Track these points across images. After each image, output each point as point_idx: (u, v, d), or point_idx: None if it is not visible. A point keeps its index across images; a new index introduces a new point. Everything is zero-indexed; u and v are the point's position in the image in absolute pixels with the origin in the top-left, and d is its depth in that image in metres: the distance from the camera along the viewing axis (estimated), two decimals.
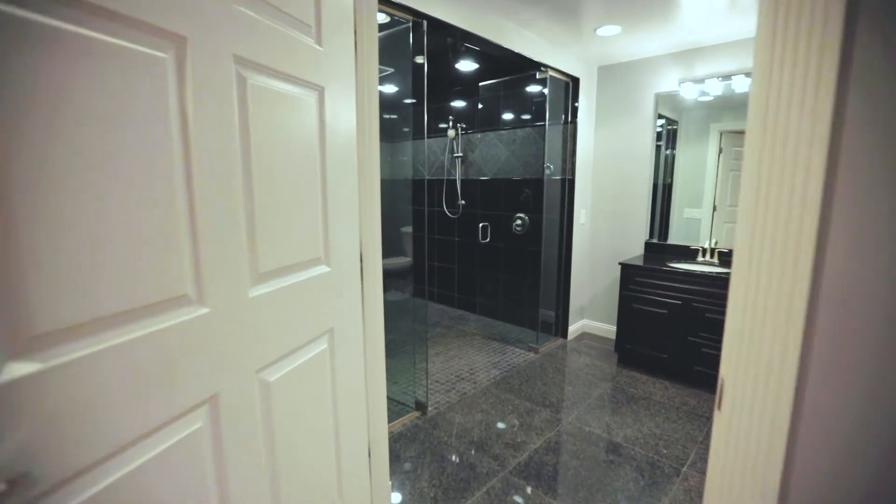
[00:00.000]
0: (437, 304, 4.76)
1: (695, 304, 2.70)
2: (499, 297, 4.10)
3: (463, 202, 4.27)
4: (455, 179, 4.28)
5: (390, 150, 4.90)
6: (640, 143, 3.35)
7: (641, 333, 2.96)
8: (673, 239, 3.34)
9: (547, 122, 3.23)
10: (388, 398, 2.57)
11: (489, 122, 3.94)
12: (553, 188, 3.49)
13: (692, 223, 3.29)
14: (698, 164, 3.21)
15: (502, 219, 3.93)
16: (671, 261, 3.06)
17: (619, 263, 3.01)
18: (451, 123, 4.18)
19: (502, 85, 3.78)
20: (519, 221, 3.77)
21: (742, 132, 2.91)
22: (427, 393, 2.65)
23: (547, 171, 3.43)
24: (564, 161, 3.47)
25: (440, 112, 4.40)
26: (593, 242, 3.71)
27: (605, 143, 3.55)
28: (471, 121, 4.13)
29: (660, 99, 3.23)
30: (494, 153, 3.93)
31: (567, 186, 3.48)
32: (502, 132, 3.85)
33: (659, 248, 3.34)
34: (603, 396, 2.68)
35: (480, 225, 3.57)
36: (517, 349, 3.46)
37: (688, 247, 3.19)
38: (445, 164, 4.38)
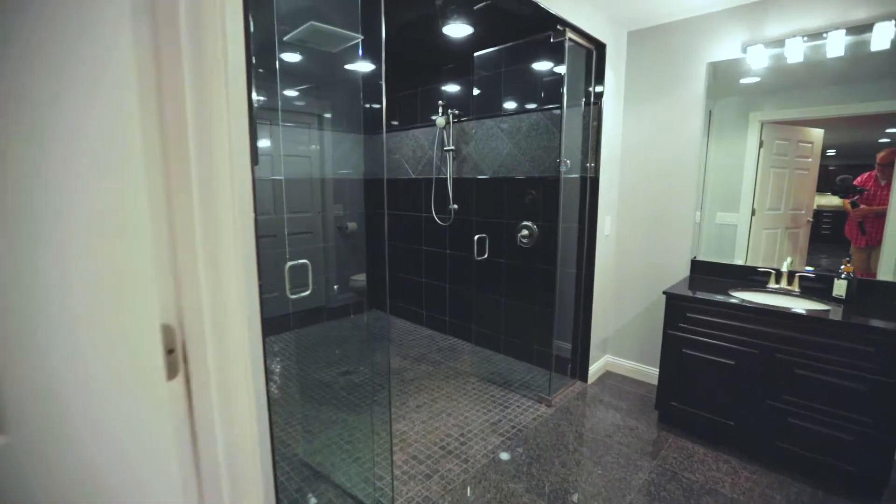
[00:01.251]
0: (425, 328, 3.96)
1: (778, 355, 1.90)
2: (500, 326, 3.30)
3: (455, 206, 3.48)
4: (446, 178, 3.48)
5: (361, 144, 4.11)
6: (685, 131, 2.55)
7: (696, 389, 2.16)
8: (705, 252, 2.54)
9: (564, 104, 2.43)
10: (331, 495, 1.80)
11: (488, 106, 3.14)
12: (570, 190, 2.69)
13: (726, 231, 2.52)
14: (734, 160, 2.44)
15: (504, 228, 3.14)
16: (734, 288, 2.26)
17: (665, 293, 2.21)
18: (440, 109, 3.38)
19: (505, 55, 2.97)
20: (525, 232, 2.97)
21: (789, 123, 1.96)
22: (392, 483, 1.86)
23: (563, 168, 2.64)
24: (585, 155, 2.67)
25: (428, 97, 3.60)
26: (621, 258, 2.91)
27: (637, 130, 2.75)
28: (465, 106, 3.33)
29: (716, 70, 2.43)
30: (494, 146, 3.13)
31: (588, 187, 2.68)
32: (504, 119, 3.05)
33: (711, 269, 2.54)
34: (648, 488, 1.88)
35: (476, 238, 2.77)
36: (524, 399, 2.66)
37: (753, 268, 2.39)
38: (434, 159, 3.58)
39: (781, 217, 2.38)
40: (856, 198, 2.11)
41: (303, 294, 1.90)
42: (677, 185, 2.61)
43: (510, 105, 3.01)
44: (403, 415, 2.48)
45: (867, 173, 2.09)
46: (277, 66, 2.03)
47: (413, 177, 3.85)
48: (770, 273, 2.29)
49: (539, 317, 3.03)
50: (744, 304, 2.00)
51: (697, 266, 2.58)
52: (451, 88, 3.41)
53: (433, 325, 3.91)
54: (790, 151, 2.32)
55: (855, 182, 2.13)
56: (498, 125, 3.09)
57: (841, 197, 2.15)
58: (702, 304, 2.09)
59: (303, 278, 1.89)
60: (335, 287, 4.16)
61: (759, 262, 2.40)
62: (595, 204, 2.66)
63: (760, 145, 2.38)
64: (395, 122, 3.94)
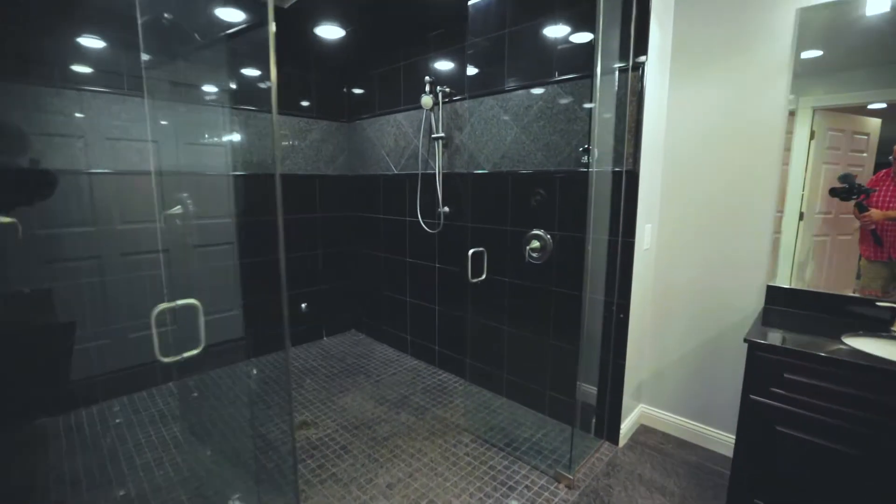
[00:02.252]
0: (410, 357, 3.25)
1: None
2: (502, 362, 2.59)
3: (446, 209, 2.76)
4: (434, 174, 2.77)
5: (332, 133, 3.39)
6: (761, 104, 1.84)
7: (798, 487, 1.45)
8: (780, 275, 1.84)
9: (598, 71, 1.71)
10: None
11: (487, 80, 2.43)
12: (599, 188, 1.98)
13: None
14: (775, 155, 1.77)
15: (508, 238, 2.43)
16: (847, 333, 1.54)
17: (748, 341, 1.50)
18: (427, 87, 2.67)
19: (510, 6, 2.26)
20: (536, 244, 2.26)
21: (845, 110, 1.69)
22: None
23: (589, 159, 1.94)
24: (619, 141, 1.96)
25: (412, 72, 2.89)
26: (664, 280, 2.20)
27: (688, 107, 2.04)
28: (458, 81, 2.62)
29: (806, 20, 1.72)
30: (496, 131, 2.42)
31: (624, 184, 1.97)
32: (509, 97, 2.34)
33: (795, 299, 1.83)
34: None
35: (470, 253, 2.03)
36: (535, 474, 1.95)
37: (852, 296, 1.68)
38: (420, 150, 2.87)
39: (833, 221, 1.75)
40: (862, 199, 1.67)
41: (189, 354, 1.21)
42: (747, 181, 1.90)
43: (517, 77, 2.30)
44: (369, 501, 1.77)
45: (883, 171, 1.66)
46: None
47: (395, 172, 3.14)
48: (887, 308, 1.58)
49: (554, 354, 2.31)
50: (881, 365, 1.29)
51: (777, 295, 1.87)
52: (441, 60, 2.69)
53: (420, 355, 3.20)
54: (844, 144, 1.73)
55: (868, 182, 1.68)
56: (500, 104, 2.38)
57: (842, 199, 1.72)
58: (814, 362, 1.38)
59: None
60: (303, 305, 3.45)
61: (820, 282, 1.72)
62: (633, 207, 1.95)
63: (811, 136, 1.75)
64: (367, 112, 3.23)
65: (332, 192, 3.51)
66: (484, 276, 2.14)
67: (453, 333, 2.90)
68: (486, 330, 2.61)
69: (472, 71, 2.50)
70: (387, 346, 3.46)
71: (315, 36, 2.80)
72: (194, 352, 1.21)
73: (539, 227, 2.28)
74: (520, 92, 2.29)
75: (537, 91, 2.21)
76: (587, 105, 2.03)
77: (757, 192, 1.88)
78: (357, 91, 3.38)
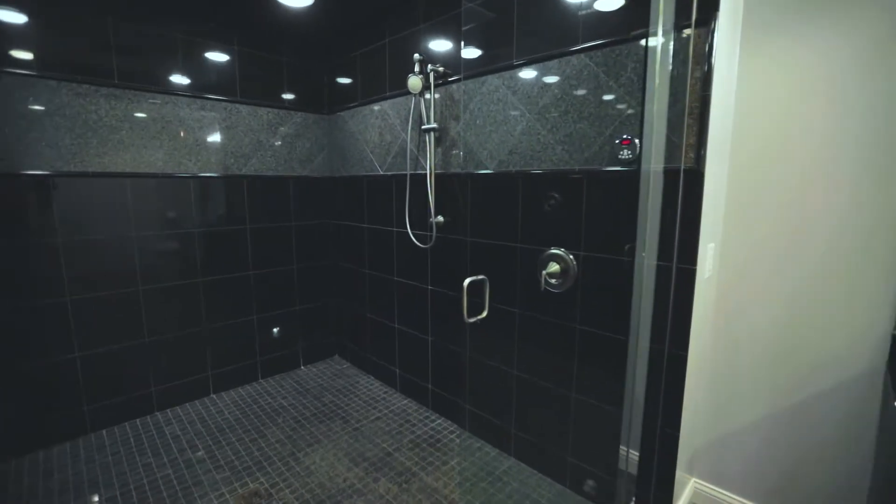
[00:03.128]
0: (399, 395, 2.71)
1: None
2: (510, 413, 2.04)
3: (440, 219, 2.22)
4: (425, 174, 2.23)
5: (309, 127, 2.85)
6: (876, 77, 1.27)
7: None
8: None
9: (660, 30, 1.16)
10: None
11: (490, 55, 1.88)
12: (646, 193, 1.41)
13: None
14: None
15: (518, 257, 1.88)
16: None
17: None
18: (416, 66, 2.12)
19: None
20: (555, 267, 1.71)
21: None
22: None
23: (626, 156, 1.39)
24: (674, 129, 1.39)
25: (400, 50, 2.35)
26: (730, 320, 1.63)
27: (769, 83, 1.47)
28: (453, 58, 2.07)
29: None
30: (501, 118, 1.87)
31: (681, 189, 1.41)
32: (519, 74, 1.79)
33: None
34: None
35: (466, 283, 1.47)
36: None
37: None
38: (408, 145, 2.33)
39: None
40: None
41: None
42: (862, 186, 1.33)
43: (529, 49, 1.74)
44: None
45: None
46: None
47: (381, 173, 2.60)
48: None
49: (580, 410, 1.76)
50: None
51: None
52: (433, 33, 2.15)
53: (410, 392, 2.66)
54: None
55: None
56: (507, 84, 1.83)
57: None
58: None
59: None
60: (274, 330, 2.93)
61: None
62: (694, 220, 1.39)
63: None
64: (350, 102, 2.69)
65: (309, 197, 2.98)
66: (485, 314, 1.59)
67: (449, 370, 2.36)
68: (489, 372, 2.07)
69: (469, 43, 1.95)
70: (373, 379, 2.92)
71: (280, 6, 2.27)
72: None
73: (559, 245, 1.72)
74: (533, 68, 1.73)
75: (557, 64, 1.66)
76: (626, 80, 1.47)
77: (877, 201, 1.31)
78: (338, 77, 2.85)
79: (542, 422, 1.92)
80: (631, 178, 1.47)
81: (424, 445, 2.20)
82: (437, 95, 2.14)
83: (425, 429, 2.35)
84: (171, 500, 1.81)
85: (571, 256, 1.69)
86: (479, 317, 1.60)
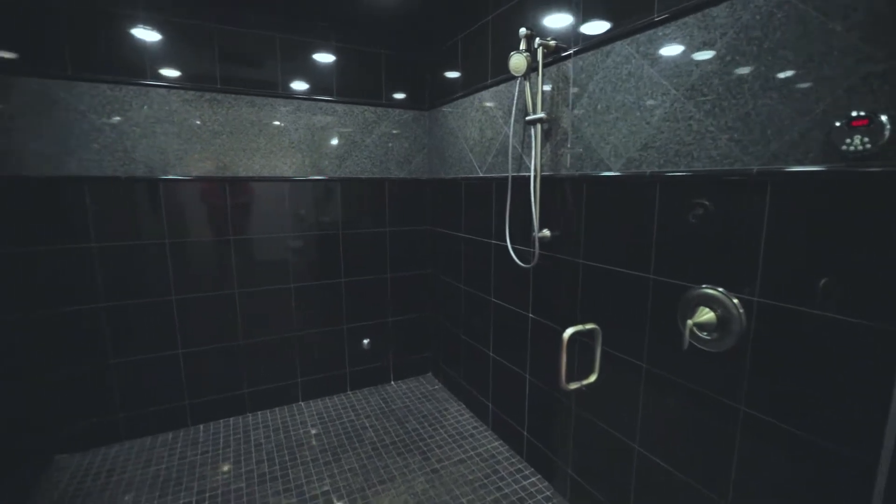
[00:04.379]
0: (489, 433, 2.32)
1: None
2: (629, 496, 1.50)
3: (545, 233, 1.77)
4: (529, 177, 1.80)
5: (408, 124, 2.58)
6: None
7: None
8: None
9: None
10: None
11: (618, 12, 1.38)
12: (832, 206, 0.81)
13: None
14: None
15: (651, 293, 1.34)
16: None
17: None
18: (522, 43, 1.69)
19: None
20: (707, 314, 1.15)
21: None
22: None
23: (857, 146, 0.79)
24: None
25: (504, 28, 1.95)
26: None
27: None
28: (569, 31, 1.60)
29: None
30: (632, 101, 1.36)
31: None
32: (660, 35, 1.26)
33: None
34: None
35: (566, 336, 1.02)
36: None
37: None
38: (510, 141, 1.92)
39: None
40: None
41: None
42: None
43: None
44: None
45: None
46: None
47: (480, 175, 2.24)
48: None
49: None
50: None
51: None
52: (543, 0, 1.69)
53: (502, 433, 2.25)
54: None
55: None
56: (643, 52, 1.31)
57: None
58: None
59: None
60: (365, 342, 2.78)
61: None
62: None
63: None
64: (449, 94, 2.37)
65: (405, 201, 2.76)
66: (593, 379, 1.12)
67: (549, 418, 1.89)
68: (600, 435, 1.56)
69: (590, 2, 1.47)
70: (464, 409, 2.58)
71: None
72: None
73: (715, 283, 1.16)
74: (684, 22, 1.19)
75: (727, 9, 1.09)
76: (863, 15, 0.86)
77: None
78: (439, 67, 2.56)
79: None
80: (865, 184, 0.87)
81: None
82: (546, 77, 1.69)
83: (515, 486, 1.92)
84: None
85: (736, 301, 1.11)
86: (586, 382, 1.13)
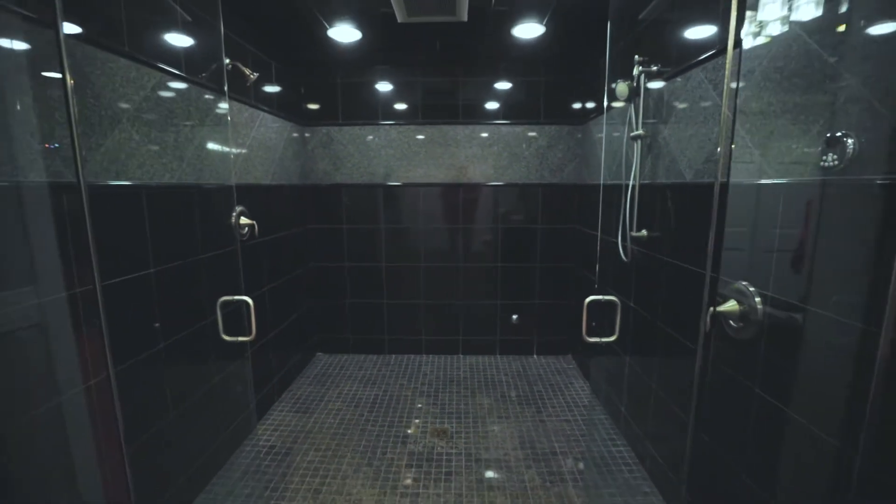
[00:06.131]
0: (602, 409, 2.62)
1: None
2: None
3: (644, 233, 2.03)
4: (631, 186, 2.08)
5: (562, 137, 3.00)
6: None
7: None
8: None
9: None
10: None
11: (690, 39, 1.59)
12: None
13: None
14: None
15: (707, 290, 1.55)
16: None
17: None
18: (635, 68, 2.00)
19: None
20: (731, 304, 1.34)
21: None
22: None
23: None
24: None
25: (623, 49, 2.24)
26: None
27: None
28: (665, 48, 1.83)
29: None
30: (702, 120, 1.57)
31: None
32: (721, 61, 1.46)
33: None
34: None
35: (587, 303, 1.32)
36: None
37: None
38: (624, 153, 2.21)
39: None
40: None
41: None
42: None
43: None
44: None
45: None
46: None
47: (608, 182, 2.56)
48: None
49: None
50: None
51: None
52: (650, 27, 1.95)
53: (610, 409, 2.53)
54: None
55: None
56: (709, 77, 1.51)
57: None
58: None
59: None
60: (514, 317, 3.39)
61: None
62: None
63: None
64: (596, 111, 2.70)
65: (556, 203, 3.22)
66: (614, 338, 1.43)
67: (642, 398, 2.12)
68: (663, 407, 1.78)
69: (678, 30, 1.70)
70: (586, 386, 2.91)
71: (518, 39, 2.62)
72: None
73: (744, 279, 1.34)
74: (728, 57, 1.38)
75: (760, 51, 1.27)
76: None
77: None
78: (584, 85, 2.92)
79: None
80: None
81: (590, 462, 2.13)
82: (647, 98, 1.95)
83: (603, 450, 2.23)
84: (396, 406, 2.60)
85: (758, 300, 1.28)
86: (605, 339, 1.50)
